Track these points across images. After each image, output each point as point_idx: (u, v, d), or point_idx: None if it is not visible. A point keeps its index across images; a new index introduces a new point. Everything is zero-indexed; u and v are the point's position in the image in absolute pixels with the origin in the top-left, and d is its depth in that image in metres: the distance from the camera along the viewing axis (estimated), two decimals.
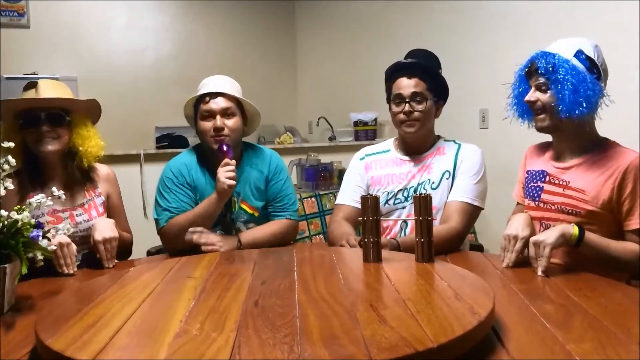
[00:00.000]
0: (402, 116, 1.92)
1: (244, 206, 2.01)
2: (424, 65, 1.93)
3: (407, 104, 1.90)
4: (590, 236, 1.48)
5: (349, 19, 4.94)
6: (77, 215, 1.83)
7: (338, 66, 5.10)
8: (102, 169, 1.96)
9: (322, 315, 1.02)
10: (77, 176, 1.88)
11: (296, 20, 5.62)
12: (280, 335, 0.92)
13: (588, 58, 1.54)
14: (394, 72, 1.96)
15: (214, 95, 1.94)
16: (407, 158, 2.00)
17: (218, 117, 1.92)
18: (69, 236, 1.61)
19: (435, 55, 2.03)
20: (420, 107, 1.90)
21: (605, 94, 1.59)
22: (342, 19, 5.02)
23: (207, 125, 1.93)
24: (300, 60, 5.62)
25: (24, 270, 1.27)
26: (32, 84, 1.81)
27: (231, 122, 1.93)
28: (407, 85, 1.90)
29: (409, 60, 1.96)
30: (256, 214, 2.02)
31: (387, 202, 1.95)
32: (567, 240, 1.47)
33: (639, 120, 2.68)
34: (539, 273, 1.45)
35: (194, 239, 1.85)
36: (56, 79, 1.89)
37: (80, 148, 1.85)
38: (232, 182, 1.82)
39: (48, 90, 1.80)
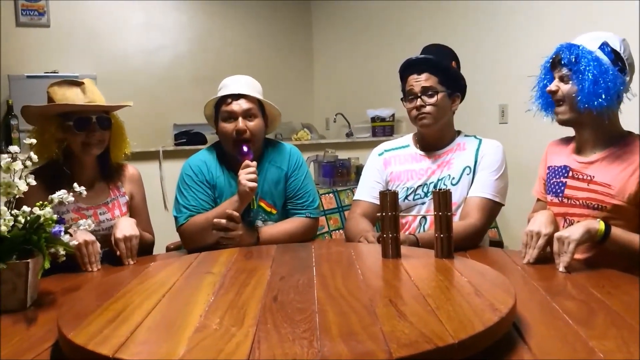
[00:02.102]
0: (415, 112, 1.93)
1: (262, 204, 1.99)
2: (432, 60, 1.92)
3: (418, 99, 1.90)
4: (616, 232, 1.46)
5: (364, 16, 4.91)
6: (100, 213, 1.84)
7: (354, 62, 5.08)
8: (128, 169, 1.97)
9: (341, 311, 1.02)
10: (103, 175, 1.89)
11: (312, 18, 5.61)
12: (300, 330, 0.92)
13: (613, 51, 1.52)
14: (405, 70, 1.97)
15: (236, 96, 1.92)
16: (426, 153, 1.99)
17: (240, 119, 1.90)
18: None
19: (449, 49, 2.01)
20: (431, 100, 1.90)
21: (629, 88, 1.56)
22: (358, 16, 5.00)
23: (229, 127, 1.92)
24: (317, 57, 5.61)
25: (47, 265, 1.29)
26: (75, 82, 1.78)
27: (253, 124, 1.92)
28: (417, 81, 1.91)
29: (417, 56, 1.95)
30: (274, 212, 2.01)
31: (406, 197, 1.94)
32: (592, 237, 1.45)
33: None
34: (561, 269, 1.43)
35: (217, 222, 1.79)
36: (76, 77, 1.88)
37: (113, 147, 1.87)
38: (254, 185, 1.81)
39: (94, 92, 1.79)
